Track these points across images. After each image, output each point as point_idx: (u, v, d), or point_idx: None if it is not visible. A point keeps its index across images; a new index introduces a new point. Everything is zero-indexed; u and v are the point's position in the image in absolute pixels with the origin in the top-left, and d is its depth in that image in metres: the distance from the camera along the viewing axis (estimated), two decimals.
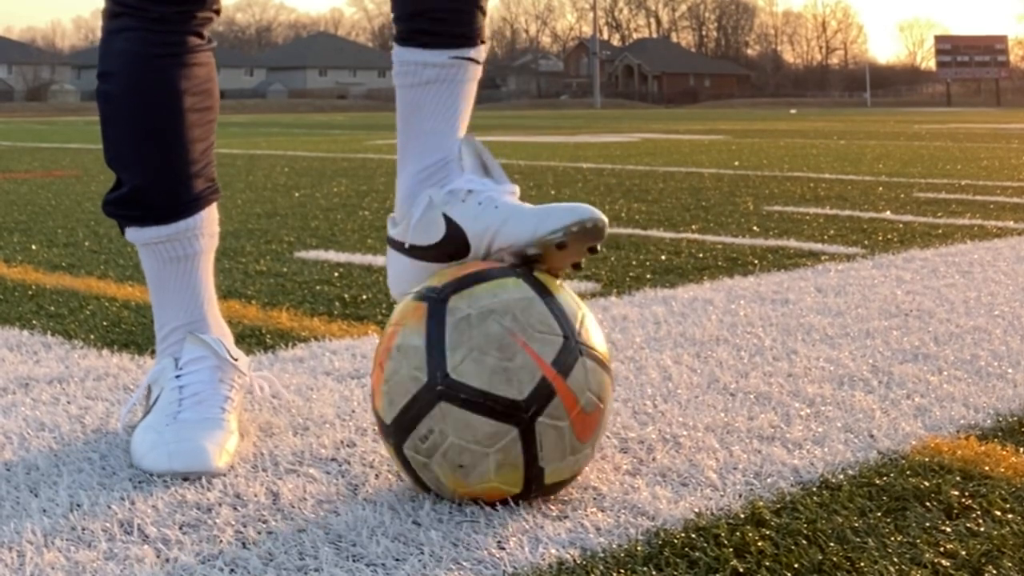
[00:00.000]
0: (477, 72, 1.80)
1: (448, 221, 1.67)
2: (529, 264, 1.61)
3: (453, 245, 1.66)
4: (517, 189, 1.72)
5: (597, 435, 1.56)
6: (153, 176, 1.84)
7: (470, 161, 1.72)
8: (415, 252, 1.71)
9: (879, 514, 1.49)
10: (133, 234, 1.88)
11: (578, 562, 1.35)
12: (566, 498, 1.56)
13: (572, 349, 1.50)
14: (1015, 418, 1.92)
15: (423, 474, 1.53)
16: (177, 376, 1.81)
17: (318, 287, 3.24)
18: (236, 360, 1.85)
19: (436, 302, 1.52)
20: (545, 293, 1.54)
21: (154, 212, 1.85)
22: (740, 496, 1.56)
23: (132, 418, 1.90)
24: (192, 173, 1.86)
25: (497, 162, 1.74)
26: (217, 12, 1.89)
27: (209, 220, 1.91)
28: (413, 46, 1.75)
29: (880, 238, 4.30)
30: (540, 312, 1.51)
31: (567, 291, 1.60)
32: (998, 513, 1.49)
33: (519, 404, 1.46)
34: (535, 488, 1.51)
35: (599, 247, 1.65)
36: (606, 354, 1.58)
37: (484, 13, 1.79)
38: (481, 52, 1.80)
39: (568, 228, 1.59)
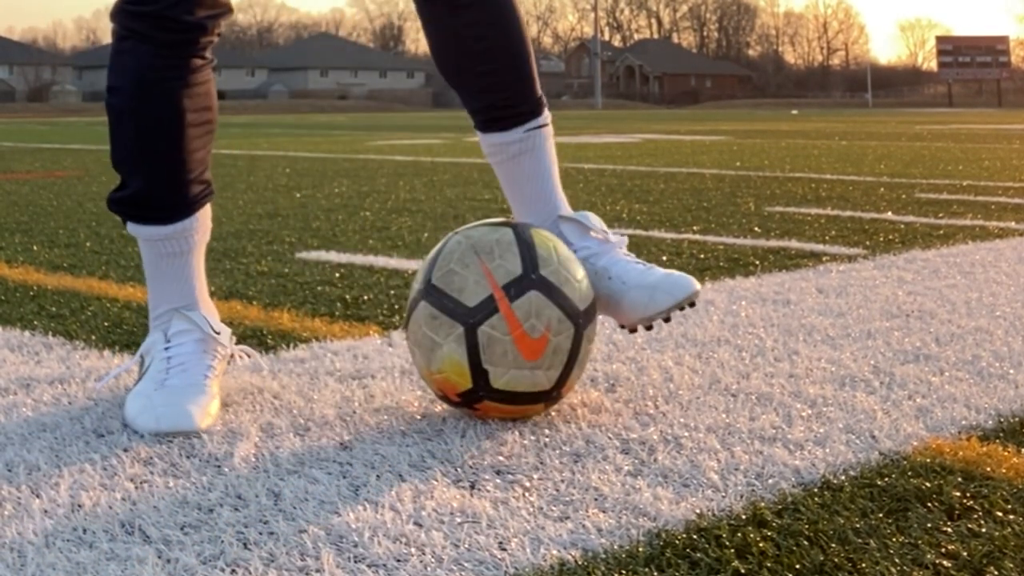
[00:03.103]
0: (551, 131, 2.13)
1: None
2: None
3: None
4: (619, 240, 2.10)
5: (548, 360, 1.85)
6: (154, 183, 2.02)
7: (572, 231, 2.08)
8: None
9: (881, 515, 1.49)
10: (134, 229, 2.07)
11: (579, 563, 1.35)
12: (567, 499, 1.56)
13: (525, 282, 1.85)
14: (1017, 419, 1.92)
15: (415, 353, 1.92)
16: (166, 348, 2.02)
17: (319, 288, 3.24)
18: (219, 334, 2.05)
19: (449, 237, 1.96)
20: (528, 243, 1.90)
21: (154, 213, 2.03)
22: (742, 497, 1.56)
23: (115, 383, 2.11)
24: (190, 180, 2.03)
25: (593, 220, 2.09)
26: (219, 35, 2.04)
27: (203, 219, 2.08)
28: (493, 131, 2.08)
29: (882, 239, 4.30)
30: (512, 252, 1.88)
31: (559, 252, 1.93)
32: (1000, 514, 1.49)
33: (467, 309, 1.84)
34: (483, 387, 1.84)
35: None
36: (573, 297, 1.88)
37: (536, 82, 2.08)
38: (547, 115, 2.11)
39: (671, 310, 1.99)
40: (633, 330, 2.04)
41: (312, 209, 5.63)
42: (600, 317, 2.03)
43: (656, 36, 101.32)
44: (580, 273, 1.93)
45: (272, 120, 32.20)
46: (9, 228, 4.82)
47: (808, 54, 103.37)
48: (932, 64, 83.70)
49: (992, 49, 69.12)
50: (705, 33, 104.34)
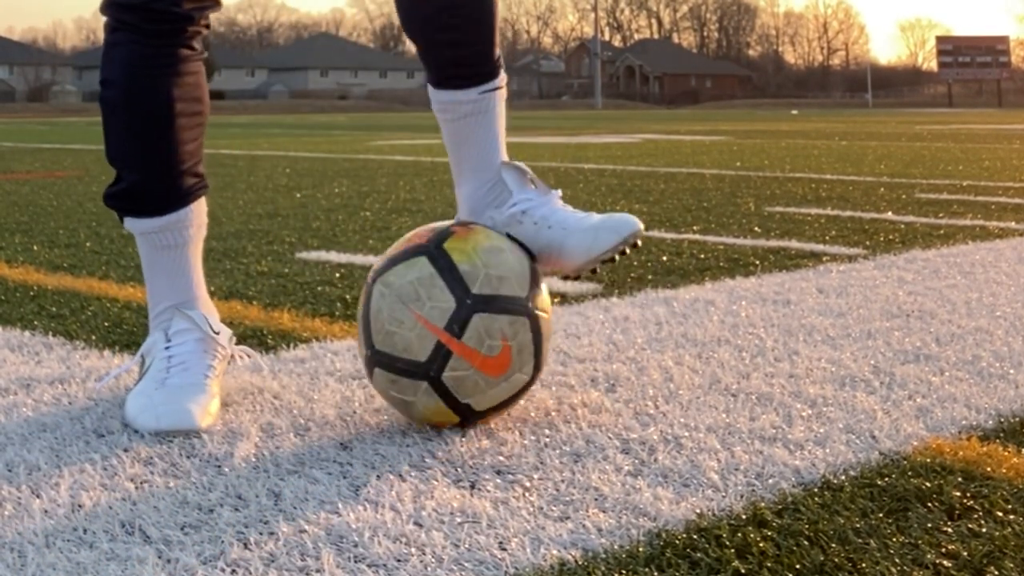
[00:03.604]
0: (504, 94, 2.05)
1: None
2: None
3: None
4: (558, 192, 2.02)
5: (518, 363, 1.84)
6: (147, 174, 2.03)
7: (513, 180, 2.00)
8: None
9: (881, 515, 1.49)
10: (130, 223, 2.09)
11: (579, 563, 1.35)
12: (567, 498, 1.56)
13: (464, 310, 1.79)
14: (1017, 419, 1.92)
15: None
16: (167, 347, 2.03)
17: (320, 288, 3.24)
18: (218, 334, 2.06)
19: (369, 284, 1.89)
20: (448, 266, 1.82)
21: (148, 205, 2.05)
22: (742, 497, 1.56)
23: (116, 383, 2.12)
24: (182, 171, 2.04)
25: (532, 173, 2.01)
26: (207, 26, 2.06)
27: (198, 212, 2.09)
28: (447, 89, 2.02)
29: (882, 239, 4.30)
30: (438, 286, 1.81)
31: (479, 250, 1.85)
32: (1000, 514, 1.49)
33: (422, 364, 1.80)
34: (472, 416, 1.84)
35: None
36: (512, 289, 1.84)
37: (497, 45, 2.03)
38: (503, 77, 2.04)
39: (616, 248, 1.93)
40: (576, 277, 2.00)
41: (312, 209, 5.63)
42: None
43: (656, 36, 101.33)
44: (506, 244, 1.90)
45: (272, 120, 32.19)
46: (9, 228, 4.82)
47: (808, 54, 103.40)
48: (932, 64, 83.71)
49: (992, 49, 69.11)
50: (705, 33, 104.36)
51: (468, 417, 1.84)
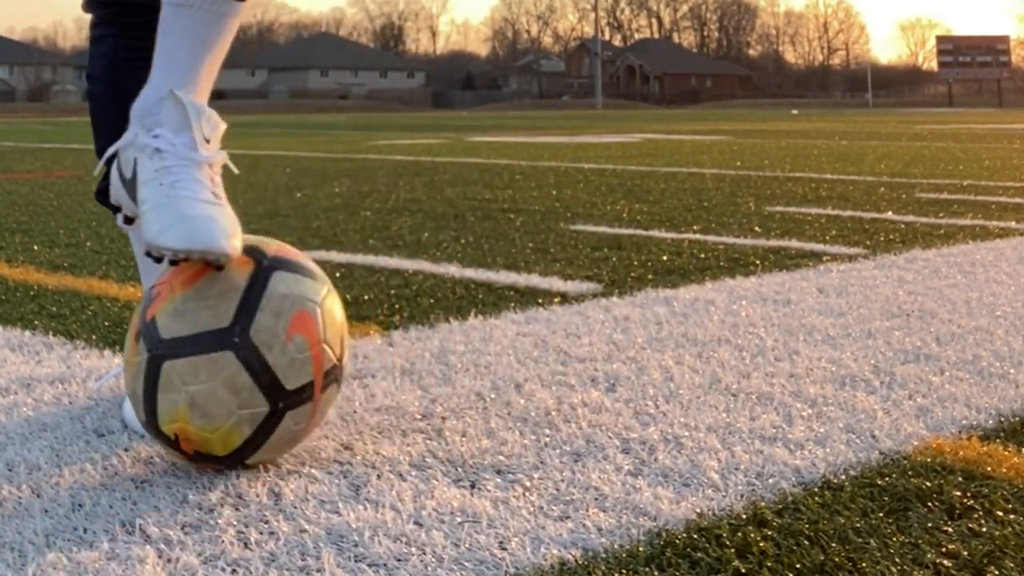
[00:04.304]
0: (235, 8, 1.81)
1: (135, 167, 1.75)
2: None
3: (133, 193, 1.75)
4: (215, 158, 1.74)
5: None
6: None
7: (172, 115, 1.72)
8: (120, 174, 1.81)
9: (881, 514, 1.49)
10: (120, 219, 2.03)
11: (580, 562, 1.35)
12: (568, 498, 1.56)
13: (334, 373, 1.68)
14: (1017, 418, 1.92)
15: (163, 391, 1.61)
16: None
17: None
18: None
19: (264, 267, 1.66)
20: (342, 315, 1.72)
21: None
22: (742, 496, 1.56)
23: (116, 382, 2.08)
24: None
25: (206, 122, 1.74)
26: None
27: None
28: None
29: (882, 238, 4.30)
30: (335, 329, 1.69)
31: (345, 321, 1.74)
32: (1000, 513, 1.49)
33: (285, 392, 1.61)
34: (234, 457, 1.63)
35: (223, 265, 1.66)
36: (343, 378, 1.73)
37: None
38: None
39: (177, 252, 1.63)
40: (148, 253, 1.69)
41: (312, 209, 5.63)
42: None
43: (656, 36, 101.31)
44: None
45: (273, 120, 32.19)
46: (10, 228, 4.82)
47: (808, 54, 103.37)
48: (932, 64, 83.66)
49: (992, 49, 69.09)
50: (705, 33, 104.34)
51: (229, 462, 1.64)
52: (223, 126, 1.79)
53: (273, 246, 1.73)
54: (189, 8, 1.77)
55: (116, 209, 2.07)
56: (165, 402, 1.61)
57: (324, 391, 1.66)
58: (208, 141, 1.75)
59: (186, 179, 1.69)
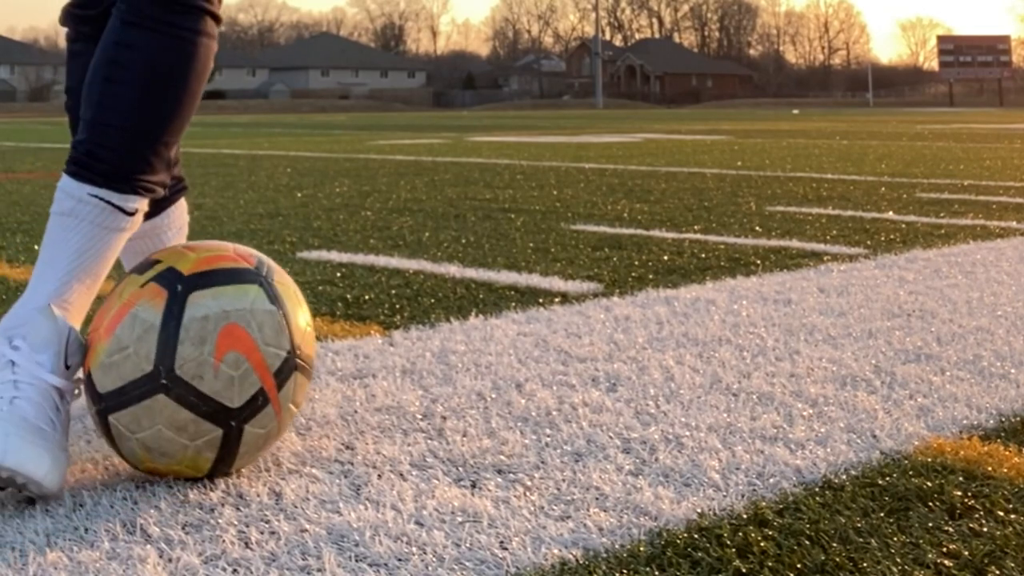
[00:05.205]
0: (121, 223, 1.70)
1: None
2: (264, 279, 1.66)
3: None
4: (67, 386, 1.63)
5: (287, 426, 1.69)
6: None
7: (39, 332, 1.62)
8: None
9: (882, 514, 1.49)
10: None
11: (580, 562, 1.35)
12: (568, 498, 1.56)
13: (290, 363, 1.63)
14: (1018, 418, 1.92)
15: (119, 441, 1.61)
16: None
17: (320, 287, 3.24)
18: None
19: (178, 294, 1.60)
20: (282, 305, 1.65)
21: None
22: (743, 496, 1.56)
23: None
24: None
25: (75, 346, 1.64)
26: None
27: (176, 216, 2.06)
28: (64, 171, 1.71)
29: (883, 238, 4.30)
30: (276, 324, 1.62)
31: (300, 299, 1.70)
32: (1001, 513, 1.49)
33: (231, 411, 1.58)
34: (213, 474, 1.62)
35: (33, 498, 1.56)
36: (312, 359, 1.70)
37: (152, 167, 1.71)
38: (130, 202, 1.70)
39: None
40: None
41: (313, 209, 5.63)
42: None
43: (657, 36, 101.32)
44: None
45: (273, 120, 32.20)
46: (11, 228, 4.82)
47: (809, 54, 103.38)
48: (933, 63, 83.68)
49: (993, 48, 69.09)
50: (706, 33, 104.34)
51: (209, 475, 1.62)
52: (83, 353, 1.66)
53: (191, 260, 1.64)
54: (73, 219, 1.68)
55: None
56: (125, 450, 1.61)
57: (282, 388, 1.63)
58: (68, 367, 1.63)
59: (28, 400, 1.57)
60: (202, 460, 1.60)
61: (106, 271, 1.74)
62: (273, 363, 1.61)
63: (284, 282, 1.70)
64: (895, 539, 1.41)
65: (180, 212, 2.07)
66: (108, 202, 1.69)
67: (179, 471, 1.62)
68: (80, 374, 1.66)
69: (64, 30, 2.06)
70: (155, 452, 1.59)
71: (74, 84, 1.99)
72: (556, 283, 3.28)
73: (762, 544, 1.38)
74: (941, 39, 74.08)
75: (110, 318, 1.62)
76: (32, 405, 1.57)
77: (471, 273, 3.48)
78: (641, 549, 1.38)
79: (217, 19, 1.75)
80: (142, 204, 1.72)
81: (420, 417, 1.94)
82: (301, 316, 1.69)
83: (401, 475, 1.65)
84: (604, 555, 1.37)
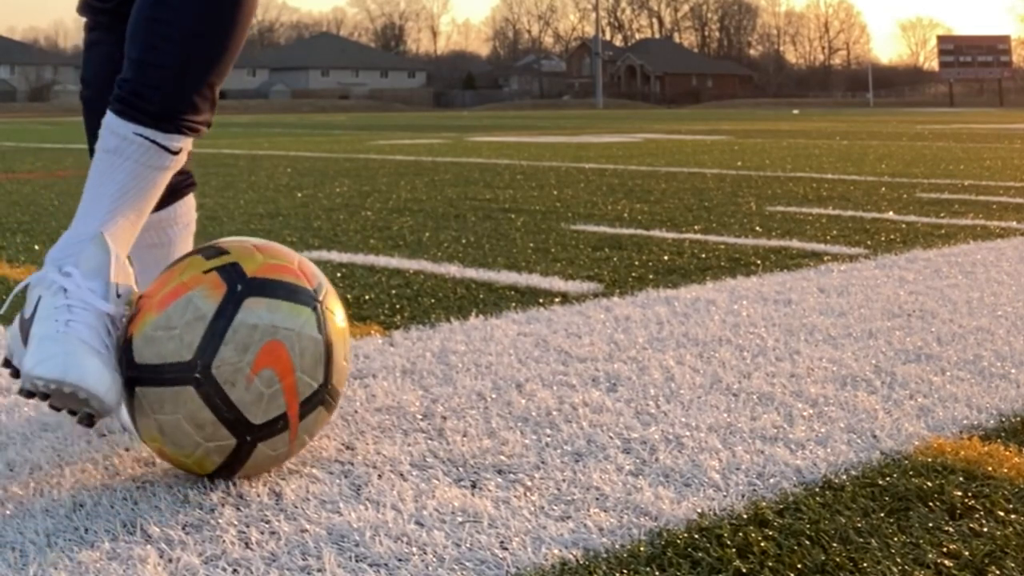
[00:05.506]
0: (165, 161, 1.73)
1: (36, 306, 1.65)
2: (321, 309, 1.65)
3: (26, 333, 1.64)
4: (116, 311, 1.64)
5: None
6: None
7: (90, 259, 1.65)
8: (21, 315, 1.70)
9: (882, 514, 1.49)
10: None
11: (581, 562, 1.35)
12: (569, 498, 1.56)
13: (319, 396, 1.63)
14: (1018, 418, 1.92)
15: (138, 413, 1.61)
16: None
17: None
18: None
19: (237, 293, 1.59)
20: (328, 336, 1.63)
21: None
22: (743, 496, 1.56)
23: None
24: None
25: (123, 273, 1.67)
26: None
27: (183, 210, 2.05)
28: (110, 109, 1.74)
29: (883, 238, 4.30)
30: (317, 354, 1.61)
31: (345, 332, 1.70)
32: (1001, 513, 1.49)
33: (251, 426, 1.57)
34: (213, 476, 1.62)
35: (93, 418, 1.58)
36: (339, 396, 1.69)
37: (196, 107, 1.72)
38: (174, 141, 1.72)
39: (48, 383, 1.54)
40: (21, 390, 1.61)
41: (313, 209, 5.63)
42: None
43: (657, 36, 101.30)
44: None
45: (273, 120, 32.20)
46: (11, 228, 4.82)
47: (809, 54, 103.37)
48: (933, 64, 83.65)
49: (993, 49, 69.07)
50: (706, 33, 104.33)
51: (211, 477, 1.62)
52: (135, 293, 1.70)
53: (257, 261, 1.64)
54: (118, 156, 1.72)
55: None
56: (141, 422, 1.61)
57: (304, 418, 1.61)
58: (119, 296, 1.66)
59: (83, 323, 1.60)
60: (208, 462, 1.59)
61: (150, 207, 1.76)
62: (304, 391, 1.60)
63: (334, 309, 1.68)
64: (895, 539, 1.41)
65: (187, 208, 2.06)
66: (153, 141, 1.71)
67: (183, 464, 1.61)
68: (128, 307, 1.67)
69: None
70: (168, 438, 1.58)
71: (90, 75, 2.00)
72: (556, 283, 3.28)
73: (762, 544, 1.38)
74: (941, 39, 74.07)
75: (165, 292, 1.62)
76: (87, 328, 1.60)
77: (471, 273, 3.48)
78: (641, 549, 1.38)
79: None
80: (186, 143, 1.75)
81: (420, 417, 1.94)
82: (342, 350, 1.67)
83: (401, 475, 1.65)
84: (604, 555, 1.37)
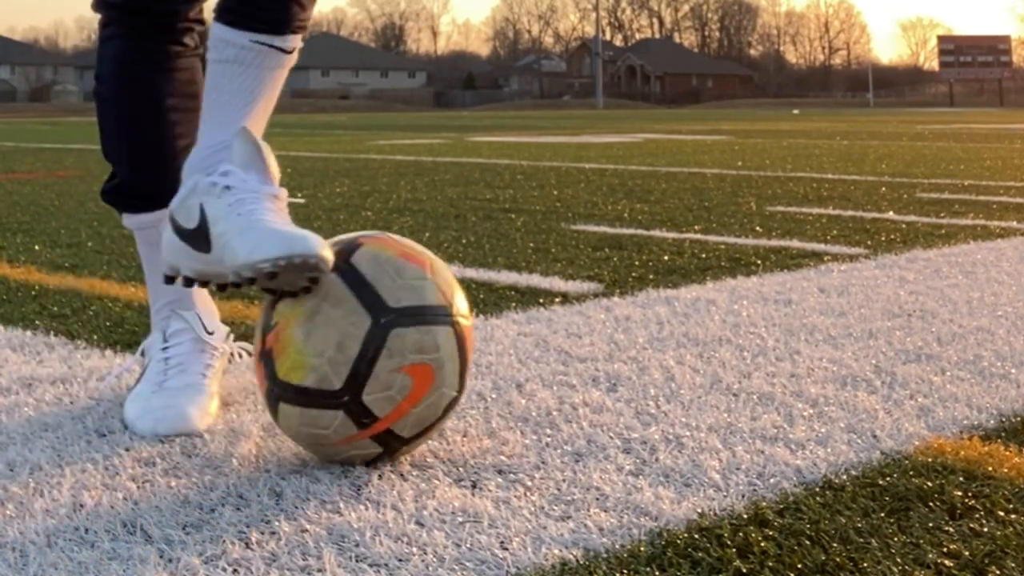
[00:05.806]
0: (282, 61, 1.83)
1: (202, 213, 1.73)
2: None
3: (202, 238, 1.72)
4: (282, 192, 1.77)
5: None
6: (137, 169, 2.03)
7: (241, 152, 1.75)
8: (178, 230, 1.77)
9: (882, 514, 1.49)
10: (126, 219, 2.08)
11: (581, 562, 1.35)
12: (569, 498, 1.56)
13: (452, 403, 1.71)
14: (1018, 418, 1.92)
15: (281, 416, 1.68)
16: (163, 348, 2.02)
17: None
18: (212, 334, 2.03)
19: (380, 326, 1.62)
20: (464, 351, 1.69)
21: (139, 201, 2.05)
22: (743, 496, 1.56)
23: (118, 382, 2.09)
24: (175, 166, 1.96)
25: (272, 160, 1.77)
26: (199, 22, 2.06)
27: None
28: (220, 22, 1.80)
29: (883, 238, 4.30)
30: (456, 370, 1.67)
31: (472, 342, 1.72)
32: (1001, 513, 1.49)
33: (400, 439, 1.66)
34: (394, 444, 1.66)
35: (319, 278, 1.65)
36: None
37: (302, 6, 1.82)
38: (289, 41, 1.81)
39: (276, 261, 1.61)
40: (227, 286, 1.71)
41: (314, 209, 5.63)
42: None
43: (658, 36, 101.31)
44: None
45: (273, 119, 31.94)
46: (11, 228, 4.82)
47: (809, 54, 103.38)
48: (934, 64, 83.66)
49: (994, 49, 69.07)
50: (707, 33, 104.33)
51: (390, 445, 1.66)
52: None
53: (395, 286, 1.66)
54: (238, 64, 1.79)
55: (118, 209, 2.08)
56: (284, 426, 1.70)
57: (437, 423, 1.70)
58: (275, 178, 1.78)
59: (262, 208, 1.70)
60: (351, 457, 1.67)
61: (272, 105, 1.88)
62: (442, 403, 1.68)
63: (466, 314, 1.72)
64: (895, 539, 1.41)
65: None
66: (271, 46, 1.79)
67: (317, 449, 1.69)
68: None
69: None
70: (307, 440, 1.68)
71: (104, 72, 2.03)
72: (556, 283, 3.28)
73: (762, 544, 1.38)
74: (941, 39, 74.09)
75: (305, 318, 1.64)
76: (268, 212, 1.70)
77: (471, 273, 3.48)
78: (641, 549, 1.38)
79: None
80: (297, 41, 1.83)
81: None
82: (470, 359, 1.72)
83: (401, 475, 1.65)
84: (604, 555, 1.37)
